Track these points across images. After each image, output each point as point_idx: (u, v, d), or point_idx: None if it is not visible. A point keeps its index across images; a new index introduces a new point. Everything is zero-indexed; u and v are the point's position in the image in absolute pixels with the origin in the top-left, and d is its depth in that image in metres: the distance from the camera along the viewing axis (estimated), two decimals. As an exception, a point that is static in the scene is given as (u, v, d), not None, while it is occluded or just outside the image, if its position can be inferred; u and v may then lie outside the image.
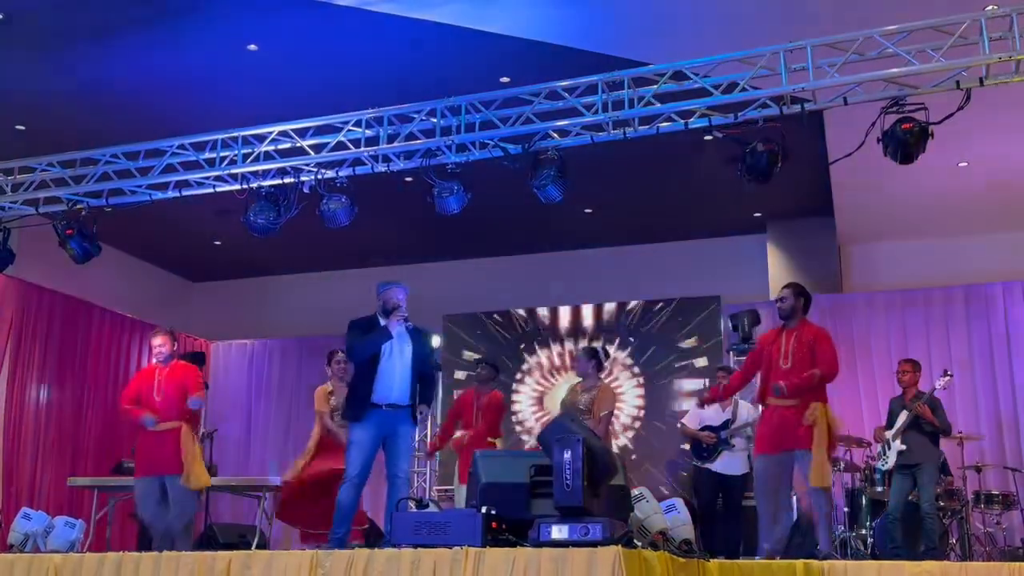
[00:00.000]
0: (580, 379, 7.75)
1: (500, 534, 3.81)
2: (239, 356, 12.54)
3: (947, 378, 7.40)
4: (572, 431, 3.85)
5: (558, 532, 3.63)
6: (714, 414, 8.14)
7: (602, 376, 7.70)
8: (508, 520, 3.87)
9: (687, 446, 8.54)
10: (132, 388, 7.05)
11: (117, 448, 10.70)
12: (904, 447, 7.17)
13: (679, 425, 8.30)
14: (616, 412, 9.30)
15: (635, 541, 3.82)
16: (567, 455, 3.72)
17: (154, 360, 7.10)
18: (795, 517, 8.39)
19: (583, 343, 10.59)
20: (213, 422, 11.25)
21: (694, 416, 8.26)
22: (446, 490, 10.04)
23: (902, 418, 7.22)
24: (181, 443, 6.69)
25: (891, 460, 7.25)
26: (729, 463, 7.95)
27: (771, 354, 6.26)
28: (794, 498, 8.60)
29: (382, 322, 6.15)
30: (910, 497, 7.28)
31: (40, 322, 10.18)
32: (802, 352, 6.13)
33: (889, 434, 7.30)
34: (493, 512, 3.84)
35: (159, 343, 7.01)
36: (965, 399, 9.50)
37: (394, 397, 6.05)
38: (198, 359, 11.70)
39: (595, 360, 7.58)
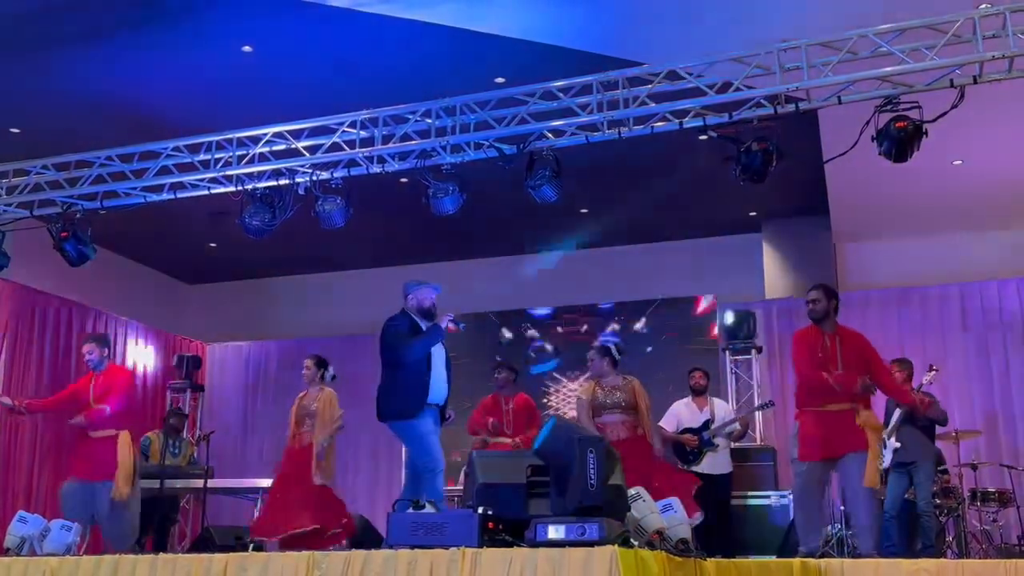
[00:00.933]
0: (596, 378, 7.31)
1: (497, 534, 3.81)
2: (235, 358, 12.53)
3: (933, 372, 7.42)
4: (582, 431, 3.86)
5: (555, 532, 3.63)
6: (692, 416, 8.10)
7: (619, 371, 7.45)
8: (505, 520, 3.86)
9: (658, 445, 8.42)
10: (67, 392, 7.09)
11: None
12: (899, 444, 7.19)
13: (657, 427, 8.19)
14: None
15: (632, 540, 3.81)
16: (591, 455, 3.72)
17: (89, 367, 7.07)
18: (792, 515, 8.40)
19: (575, 343, 10.57)
20: (209, 424, 11.26)
21: (671, 418, 8.16)
22: (444, 491, 10.01)
23: (896, 415, 7.24)
24: (117, 451, 6.67)
25: (887, 459, 7.26)
26: (714, 463, 7.93)
27: (821, 359, 6.03)
28: (790, 496, 8.61)
29: (419, 321, 6.10)
30: (907, 495, 7.29)
31: (35, 325, 10.17)
32: (852, 358, 5.99)
33: (885, 433, 7.31)
34: (490, 512, 3.84)
35: (87, 351, 7.00)
36: (961, 397, 9.51)
37: (440, 396, 6.08)
38: (193, 362, 11.76)
39: (609, 357, 7.35)
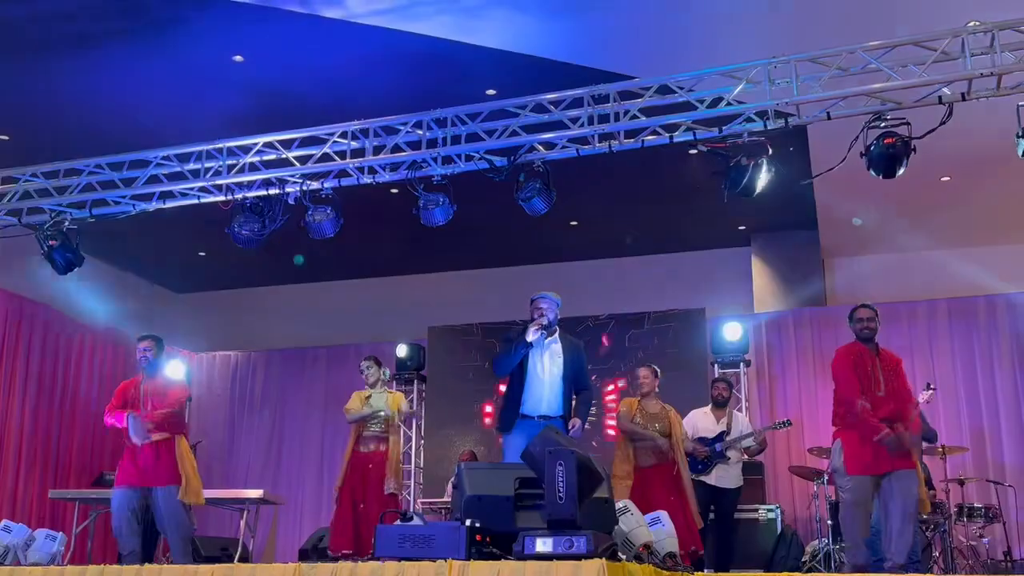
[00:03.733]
0: (640, 398, 7.44)
1: (484, 547, 3.80)
2: (223, 367, 12.49)
3: (930, 391, 7.43)
4: (562, 443, 3.85)
5: (542, 545, 3.62)
6: (708, 426, 8.11)
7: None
8: (492, 533, 3.86)
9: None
10: (118, 400, 6.89)
11: (99, 461, 10.64)
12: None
13: None
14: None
15: (619, 554, 3.81)
16: (560, 468, 3.71)
17: (140, 367, 6.97)
18: (780, 529, 8.41)
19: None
20: (196, 434, 11.21)
21: (687, 427, 8.20)
22: (432, 503, 10.01)
23: (886, 431, 7.24)
24: (177, 455, 6.64)
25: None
26: (723, 476, 7.92)
27: (863, 376, 6.07)
28: (778, 510, 8.62)
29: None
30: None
31: (22, 333, 10.11)
32: (891, 379, 6.04)
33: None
34: (477, 525, 3.83)
35: (145, 347, 6.91)
36: (948, 412, 9.54)
37: (544, 408, 5.88)
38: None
39: (658, 379, 7.47)
